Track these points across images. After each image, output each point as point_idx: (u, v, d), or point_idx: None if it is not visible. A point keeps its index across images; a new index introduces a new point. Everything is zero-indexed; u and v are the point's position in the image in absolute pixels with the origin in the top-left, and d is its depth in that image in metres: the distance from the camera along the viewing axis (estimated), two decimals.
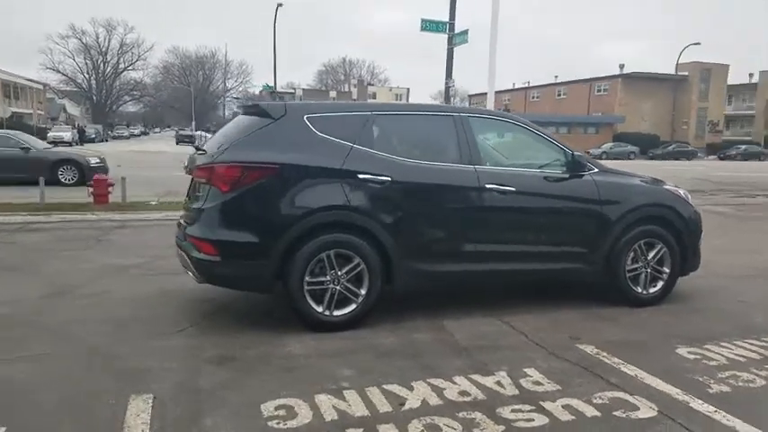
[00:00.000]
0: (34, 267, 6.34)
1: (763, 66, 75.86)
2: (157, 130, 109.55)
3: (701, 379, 3.57)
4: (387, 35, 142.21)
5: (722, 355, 3.96)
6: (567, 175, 4.88)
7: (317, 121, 4.40)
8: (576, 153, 4.93)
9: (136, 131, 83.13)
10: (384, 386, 3.37)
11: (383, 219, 4.31)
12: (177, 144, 56.30)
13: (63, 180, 15.20)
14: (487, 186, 4.59)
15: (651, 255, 5.09)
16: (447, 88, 16.13)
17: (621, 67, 59.86)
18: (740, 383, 3.51)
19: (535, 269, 4.85)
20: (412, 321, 4.55)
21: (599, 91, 59.43)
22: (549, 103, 63.96)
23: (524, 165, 4.94)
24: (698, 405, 3.20)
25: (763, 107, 58.06)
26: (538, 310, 4.89)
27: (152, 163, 25.43)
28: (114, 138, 66.57)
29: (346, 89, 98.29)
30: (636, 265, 5.06)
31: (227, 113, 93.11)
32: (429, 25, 16.13)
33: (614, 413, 3.10)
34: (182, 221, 4.83)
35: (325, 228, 4.22)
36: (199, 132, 59.45)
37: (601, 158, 34.03)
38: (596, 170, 4.99)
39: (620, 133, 53.30)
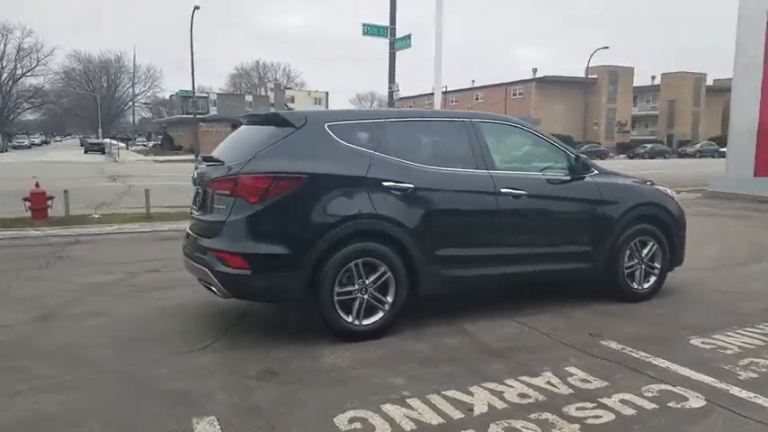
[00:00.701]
0: (2, 289, 5.85)
1: (664, 68, 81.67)
2: (58, 138, 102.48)
3: (726, 367, 3.81)
4: (300, 39, 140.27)
5: (732, 344, 4.25)
6: (570, 178, 5.08)
7: (337, 130, 4.35)
8: (580, 156, 5.15)
9: (36, 141, 77.72)
10: (443, 393, 3.38)
11: (408, 226, 4.31)
12: (86, 153, 53.47)
13: None
14: (502, 191, 4.70)
15: (645, 251, 5.39)
16: (391, 93, 16.28)
17: (535, 71, 62.64)
18: (763, 369, 3.78)
19: (549, 270, 5.02)
20: (433, 327, 4.57)
21: (514, 95, 61.95)
22: (467, 106, 65.82)
23: (531, 168, 5.07)
24: (737, 392, 3.43)
25: (665, 107, 62.55)
26: (546, 310, 5.05)
27: (68, 173, 23.91)
28: (15, 148, 62.53)
29: (263, 93, 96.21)
30: (632, 262, 5.33)
31: (136, 120, 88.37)
32: (370, 30, 16.23)
33: (669, 404, 3.26)
34: (191, 233, 4.63)
35: (354, 237, 4.17)
36: (107, 140, 56.37)
37: None
38: (596, 172, 5.22)
39: None
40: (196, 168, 4.91)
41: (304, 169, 4.11)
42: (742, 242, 8.79)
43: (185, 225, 9.73)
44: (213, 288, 4.20)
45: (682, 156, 52.64)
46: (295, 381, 3.57)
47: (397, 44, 16.16)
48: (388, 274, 4.28)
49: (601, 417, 3.12)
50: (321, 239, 4.06)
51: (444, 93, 72.91)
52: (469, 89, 70.01)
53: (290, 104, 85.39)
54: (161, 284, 6.02)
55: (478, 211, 4.66)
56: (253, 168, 4.06)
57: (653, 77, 67.02)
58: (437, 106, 14.16)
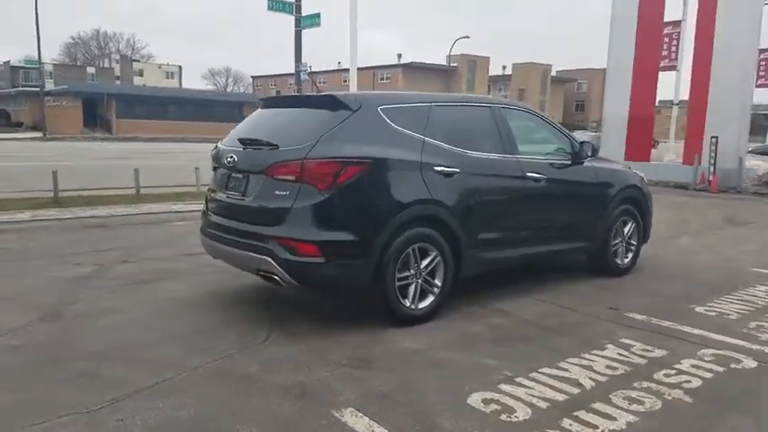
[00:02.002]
0: None
1: (515, 59, 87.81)
2: None
3: (744, 331, 4.36)
4: (143, 9, 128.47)
5: (729, 310, 4.85)
6: (572, 162, 5.42)
7: (390, 113, 4.29)
8: (583, 142, 5.50)
9: None
10: (541, 370, 3.53)
11: (456, 210, 4.39)
12: None
13: None
14: (528, 175, 4.92)
15: (626, 230, 5.94)
16: (298, 73, 15.91)
17: (399, 56, 64.41)
18: None
19: (560, 249, 5.40)
20: (467, 307, 4.68)
21: (382, 79, 63.29)
22: (336, 88, 65.73)
23: (543, 153, 5.33)
24: None
25: (515, 96, 67.34)
26: (552, 288, 5.39)
27: None
28: None
29: (106, 64, 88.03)
30: (616, 240, 5.86)
31: None
32: (276, 5, 15.73)
33: (732, 366, 3.68)
34: (221, 219, 4.33)
35: (413, 222, 4.18)
36: None
37: None
38: (593, 157, 5.62)
39: None
40: (217, 149, 4.56)
41: (369, 154, 4.02)
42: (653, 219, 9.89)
43: (106, 211, 9.12)
44: (276, 277, 3.96)
45: None
46: (393, 367, 3.55)
47: (303, 22, 15.75)
48: (438, 258, 4.33)
49: (690, 381, 3.45)
50: (387, 225, 4.01)
51: (312, 73, 72.62)
52: (338, 70, 70.04)
53: (138, 78, 78.73)
54: (147, 276, 5.51)
55: (510, 195, 4.86)
56: (320, 153, 3.88)
57: (504, 67, 71.89)
58: (353, 87, 14.13)
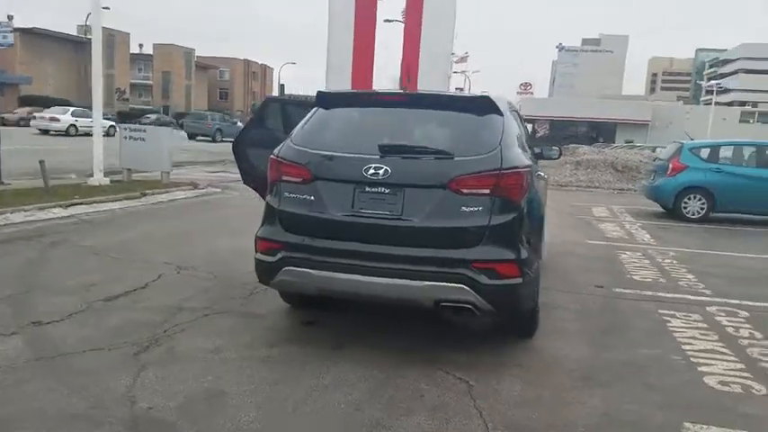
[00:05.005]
0: None
1: (156, 39, 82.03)
2: None
3: (695, 289, 5.76)
4: None
5: (654, 276, 6.26)
6: None
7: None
8: (544, 147, 6.12)
9: None
10: (692, 352, 4.07)
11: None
12: None
13: None
14: (539, 173, 5.34)
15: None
16: None
17: (11, 18, 53.64)
18: (700, 285, 5.91)
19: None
20: None
21: None
22: None
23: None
24: (730, 300, 5.37)
25: (159, 78, 63.61)
26: None
27: None
28: None
29: None
30: None
31: None
32: None
33: (739, 317, 4.90)
34: (344, 245, 3.61)
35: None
36: None
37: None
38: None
39: (25, 96, 48.18)
40: (305, 155, 3.77)
41: (527, 161, 3.87)
42: None
43: None
44: (470, 305, 3.49)
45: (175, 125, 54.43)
46: (612, 379, 3.62)
47: None
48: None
49: (753, 333, 4.51)
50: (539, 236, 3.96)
51: None
52: None
53: None
54: (128, 334, 3.84)
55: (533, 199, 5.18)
56: (511, 162, 3.60)
57: (141, 45, 66.95)
58: (96, 61, 11.75)
